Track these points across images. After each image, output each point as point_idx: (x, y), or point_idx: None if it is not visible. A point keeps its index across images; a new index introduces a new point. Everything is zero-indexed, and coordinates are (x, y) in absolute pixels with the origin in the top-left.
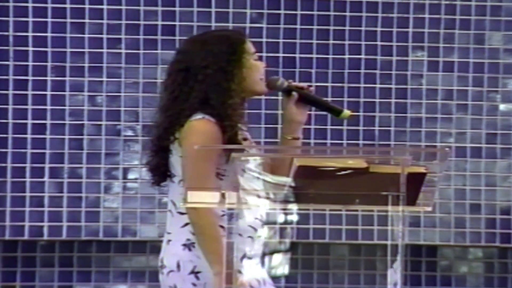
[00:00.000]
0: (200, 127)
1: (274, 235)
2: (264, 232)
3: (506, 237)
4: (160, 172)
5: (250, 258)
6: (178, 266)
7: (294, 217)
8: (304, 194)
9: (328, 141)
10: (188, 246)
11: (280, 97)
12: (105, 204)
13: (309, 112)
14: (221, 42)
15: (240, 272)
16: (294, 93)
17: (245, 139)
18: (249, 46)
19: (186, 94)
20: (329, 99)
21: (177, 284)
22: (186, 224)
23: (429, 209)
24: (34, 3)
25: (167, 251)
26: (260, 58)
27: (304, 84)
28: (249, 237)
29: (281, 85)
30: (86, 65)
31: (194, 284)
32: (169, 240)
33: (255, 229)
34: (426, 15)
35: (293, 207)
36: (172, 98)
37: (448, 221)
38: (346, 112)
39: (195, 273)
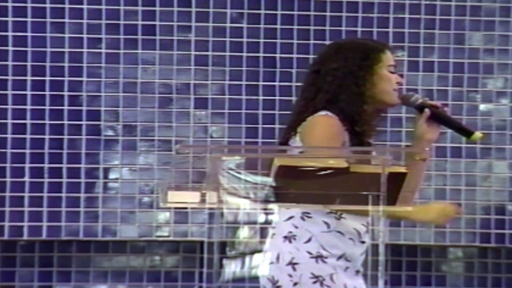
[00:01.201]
0: (323, 121)
1: (255, 235)
2: (368, 239)
3: (485, 237)
4: None
5: (348, 260)
6: (278, 258)
7: (274, 217)
8: (285, 194)
9: None
10: (289, 238)
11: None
12: (86, 204)
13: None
14: (357, 48)
15: (335, 270)
16: (427, 110)
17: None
18: (387, 57)
19: (314, 93)
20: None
21: (275, 275)
22: (290, 218)
23: (410, 209)
24: (13, 3)
25: (270, 244)
26: (395, 72)
27: (438, 103)
28: (350, 239)
29: (414, 101)
30: (66, 65)
31: (290, 275)
32: (273, 234)
33: (359, 233)
34: (406, 15)
35: (274, 207)
36: (302, 98)
37: None
38: (478, 134)
39: (292, 264)
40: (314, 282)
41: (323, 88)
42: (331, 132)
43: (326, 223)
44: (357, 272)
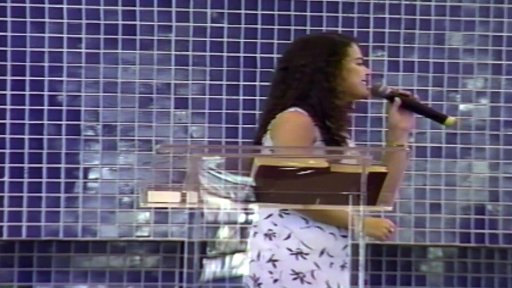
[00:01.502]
0: (293, 117)
1: (235, 235)
2: (349, 233)
3: (465, 237)
4: None
5: (331, 255)
6: (258, 255)
7: (255, 217)
8: (265, 194)
9: None
10: (269, 235)
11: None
12: (65, 204)
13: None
14: (323, 43)
15: (317, 266)
16: (397, 99)
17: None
18: (353, 50)
19: (283, 91)
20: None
21: (256, 272)
22: (269, 216)
23: (390, 208)
24: None
25: (252, 243)
26: (365, 63)
27: (408, 91)
28: (331, 233)
29: (383, 91)
30: (46, 64)
31: (270, 272)
32: (255, 233)
33: (339, 227)
34: (386, 15)
35: (254, 207)
36: (271, 96)
37: (408, 220)
38: (451, 119)
39: (272, 261)
40: (295, 279)
41: (292, 85)
42: (300, 128)
43: (304, 218)
44: (343, 267)
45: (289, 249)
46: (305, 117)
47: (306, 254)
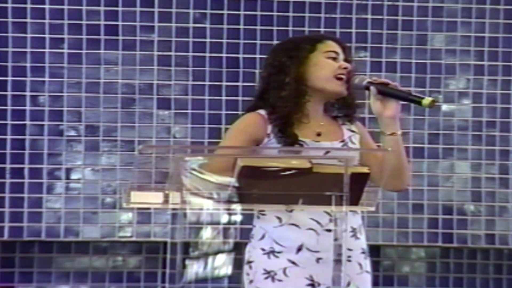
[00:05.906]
0: (243, 117)
1: (218, 235)
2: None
3: (448, 237)
4: None
5: (315, 251)
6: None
7: (237, 218)
8: (248, 194)
9: None
10: (250, 238)
11: None
12: (48, 205)
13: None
14: (293, 40)
15: (293, 263)
16: (372, 88)
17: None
18: (325, 45)
19: (255, 91)
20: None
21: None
22: (252, 219)
23: (372, 209)
24: None
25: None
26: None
27: (387, 80)
28: (310, 229)
29: (359, 82)
30: (28, 65)
31: (247, 274)
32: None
33: (319, 223)
34: (369, 16)
35: (237, 207)
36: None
37: (391, 221)
38: (427, 99)
39: (249, 262)
40: (266, 278)
41: (259, 83)
42: (242, 126)
43: (278, 218)
44: (337, 261)
45: (263, 249)
46: (254, 116)
47: (279, 252)
